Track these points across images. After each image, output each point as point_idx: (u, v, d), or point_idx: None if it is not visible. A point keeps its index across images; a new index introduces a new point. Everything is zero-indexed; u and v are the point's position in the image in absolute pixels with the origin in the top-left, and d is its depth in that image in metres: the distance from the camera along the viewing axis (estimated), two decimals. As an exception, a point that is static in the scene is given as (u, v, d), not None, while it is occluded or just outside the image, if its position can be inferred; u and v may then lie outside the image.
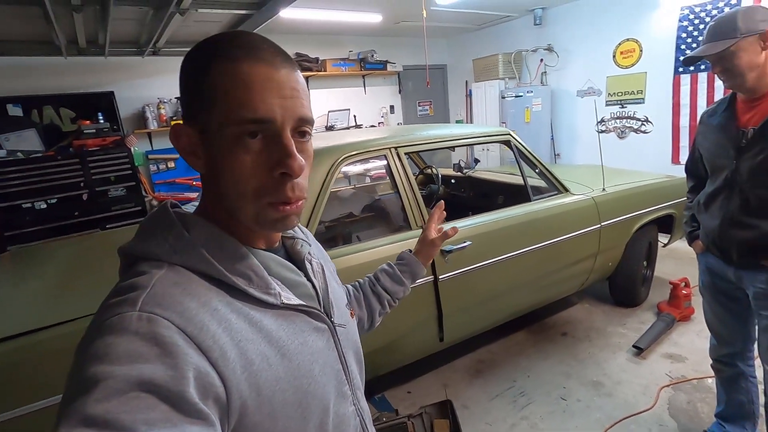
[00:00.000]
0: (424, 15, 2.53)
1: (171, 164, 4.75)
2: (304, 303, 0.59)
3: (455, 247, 2.06)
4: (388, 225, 2.67)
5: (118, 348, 0.41)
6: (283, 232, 0.66)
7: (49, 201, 3.83)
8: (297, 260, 0.65)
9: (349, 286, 0.95)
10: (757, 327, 1.58)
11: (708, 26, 1.38)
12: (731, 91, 1.49)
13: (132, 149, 4.23)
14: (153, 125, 4.47)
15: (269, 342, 0.52)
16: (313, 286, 0.64)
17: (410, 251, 1.01)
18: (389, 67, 5.91)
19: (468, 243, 2.09)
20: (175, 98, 4.60)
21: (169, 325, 0.44)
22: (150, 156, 4.65)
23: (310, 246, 0.68)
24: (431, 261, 1.00)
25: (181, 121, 0.55)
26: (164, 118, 4.52)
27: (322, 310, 0.63)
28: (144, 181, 4.52)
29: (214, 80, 0.49)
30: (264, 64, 0.50)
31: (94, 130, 4.05)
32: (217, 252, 0.52)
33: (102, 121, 4.14)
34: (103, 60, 3.85)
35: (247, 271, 0.53)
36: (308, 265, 0.66)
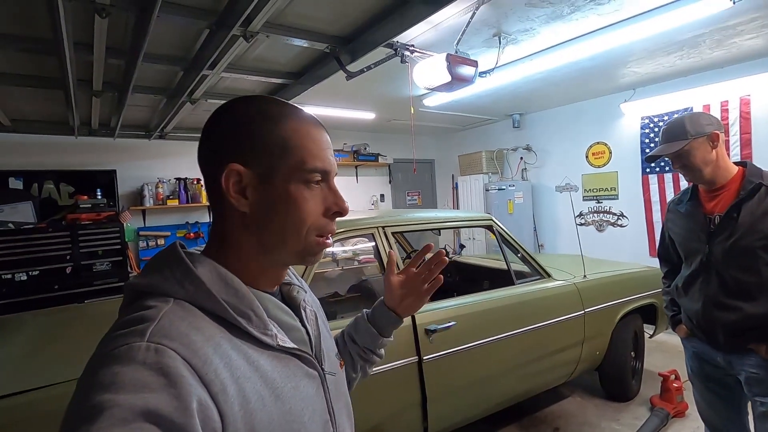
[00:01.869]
0: (412, 111, 2.82)
1: (161, 241, 4.77)
2: (297, 347, 0.60)
3: (440, 326, 2.05)
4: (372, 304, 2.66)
5: (124, 377, 0.41)
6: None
7: (30, 273, 3.75)
8: (293, 306, 0.67)
9: None
10: (752, 415, 1.54)
11: (661, 130, 1.58)
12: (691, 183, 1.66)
13: (125, 225, 4.28)
14: (149, 203, 4.59)
15: (265, 382, 0.53)
16: (307, 332, 0.65)
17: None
18: (380, 159, 6.32)
19: (453, 323, 2.08)
20: (174, 179, 4.80)
21: (176, 356, 0.45)
22: (141, 233, 4.69)
23: (305, 293, 0.71)
24: (402, 309, 0.89)
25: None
26: (161, 196, 4.66)
27: (314, 357, 0.64)
28: (131, 256, 4.50)
29: (287, 134, 0.57)
30: (321, 128, 0.62)
31: (90, 205, 4.14)
32: (222, 290, 0.54)
33: (99, 197, 4.25)
34: (111, 141, 4.08)
35: (248, 310, 0.55)
36: (303, 312, 0.67)
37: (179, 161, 4.90)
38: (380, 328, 0.89)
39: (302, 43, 2.12)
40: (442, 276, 0.86)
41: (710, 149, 1.49)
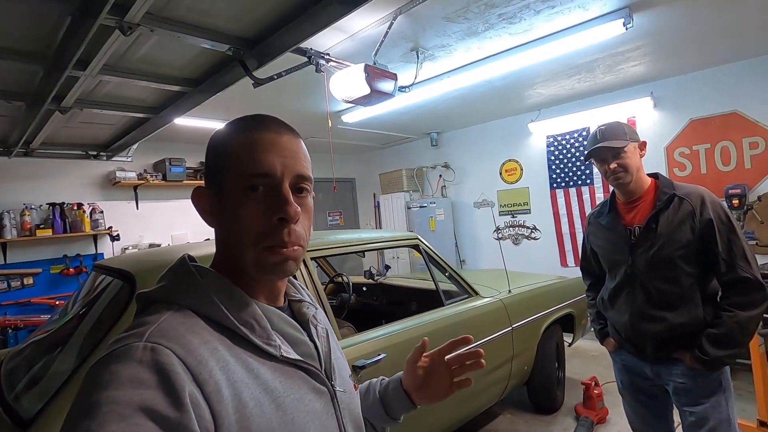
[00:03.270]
0: (329, 125, 2.63)
1: (29, 280, 3.92)
2: (303, 360, 0.59)
3: (368, 361, 1.83)
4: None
5: (122, 375, 0.44)
6: (291, 295, 0.69)
7: None
8: (302, 321, 0.66)
9: None
10: (681, 425, 1.54)
11: (598, 131, 1.57)
12: (609, 195, 1.67)
13: (-26, 263, 3.44)
14: (11, 234, 3.76)
15: (265, 390, 0.53)
16: (316, 348, 0.64)
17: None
18: (299, 179, 6.00)
19: (382, 356, 1.88)
20: (47, 204, 4.02)
21: (170, 354, 0.46)
22: (0, 271, 3.81)
23: (316, 310, 0.70)
24: (418, 396, 0.84)
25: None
26: (28, 225, 3.84)
27: (323, 372, 0.63)
28: (-16, 302, 3.63)
29: (229, 148, 0.59)
30: (268, 131, 0.59)
31: None
32: (225, 299, 0.56)
33: (-62, 230, 3.38)
34: (-46, 159, 3.29)
35: (251, 320, 0.56)
36: (313, 329, 0.67)
37: (53, 183, 4.12)
38: (389, 406, 0.84)
39: (198, 42, 1.81)
40: (471, 380, 0.81)
41: (639, 156, 1.53)
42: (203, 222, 0.62)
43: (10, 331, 3.52)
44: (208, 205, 0.61)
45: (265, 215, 0.56)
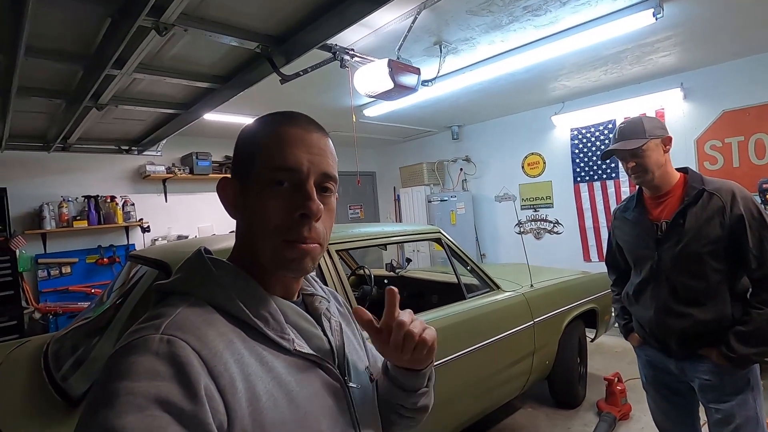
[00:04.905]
0: (354, 119, 2.67)
1: (66, 269, 4.13)
2: (316, 354, 0.59)
3: (392, 352, 1.87)
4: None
5: (139, 366, 0.44)
6: (304, 289, 0.68)
7: None
8: (314, 315, 0.65)
9: None
10: (707, 422, 1.53)
11: (618, 128, 1.55)
12: (635, 190, 1.65)
13: (17, 252, 3.64)
14: (50, 225, 3.96)
15: (278, 384, 0.53)
16: (329, 342, 0.63)
17: None
18: (320, 172, 6.08)
19: (406, 347, 1.92)
20: (83, 197, 4.21)
21: (186, 346, 0.47)
22: (40, 260, 4.02)
23: (328, 303, 0.69)
24: (402, 361, 0.68)
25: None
26: (66, 217, 4.04)
27: (336, 368, 0.62)
28: (27, 288, 3.84)
29: (258, 141, 0.60)
30: (298, 127, 0.60)
31: (-30, 231, 3.47)
32: (239, 292, 0.56)
33: (-17, 221, 3.59)
34: (-1, 154, 3.47)
35: (265, 313, 0.56)
36: (326, 322, 0.66)
37: (88, 177, 4.31)
38: (394, 378, 0.71)
39: (228, 40, 1.87)
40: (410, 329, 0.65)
41: (662, 152, 1.50)
42: (228, 214, 0.62)
43: (51, 317, 3.72)
44: (232, 196, 0.61)
45: (286, 210, 0.56)
